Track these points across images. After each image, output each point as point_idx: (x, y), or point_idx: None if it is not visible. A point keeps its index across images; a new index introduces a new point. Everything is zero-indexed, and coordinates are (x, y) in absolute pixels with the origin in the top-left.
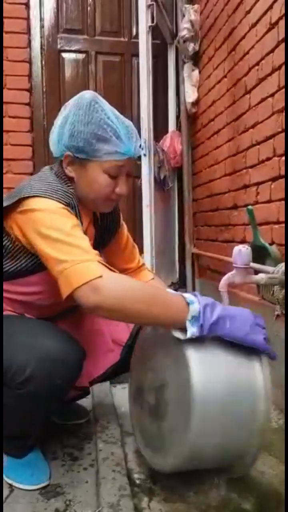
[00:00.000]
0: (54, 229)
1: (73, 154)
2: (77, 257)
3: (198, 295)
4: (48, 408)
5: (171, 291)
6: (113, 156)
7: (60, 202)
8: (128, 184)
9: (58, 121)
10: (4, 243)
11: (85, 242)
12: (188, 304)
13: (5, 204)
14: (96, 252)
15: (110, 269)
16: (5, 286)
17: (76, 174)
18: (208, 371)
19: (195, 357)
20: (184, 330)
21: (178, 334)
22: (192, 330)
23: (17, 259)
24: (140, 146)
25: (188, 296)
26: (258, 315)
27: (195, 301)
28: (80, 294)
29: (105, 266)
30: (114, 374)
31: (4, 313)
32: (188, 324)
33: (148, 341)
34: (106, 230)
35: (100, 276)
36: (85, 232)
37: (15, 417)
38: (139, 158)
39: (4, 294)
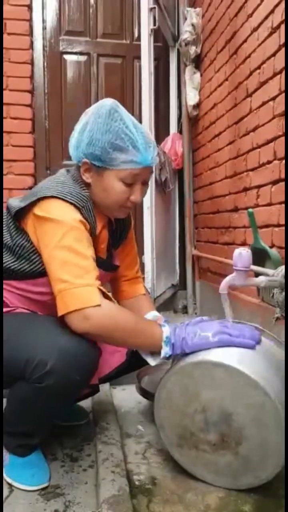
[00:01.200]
0: (62, 246)
1: (90, 162)
2: (78, 280)
3: (173, 330)
4: (61, 405)
5: (150, 315)
6: (129, 165)
7: (76, 205)
8: (144, 191)
9: (78, 127)
10: (21, 242)
11: (90, 262)
12: (161, 327)
13: (23, 204)
14: (97, 274)
15: (106, 296)
16: (19, 284)
17: (93, 181)
18: (268, 378)
19: (255, 373)
20: (155, 355)
21: (149, 360)
22: (165, 350)
23: (32, 261)
24: (158, 154)
25: (162, 322)
26: (225, 323)
27: (166, 324)
28: (71, 319)
29: (102, 291)
30: (119, 374)
31: (18, 310)
32: (163, 345)
33: (173, 390)
34: (119, 234)
35: (96, 305)
36: (99, 235)
37: (28, 413)
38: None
39: (18, 292)
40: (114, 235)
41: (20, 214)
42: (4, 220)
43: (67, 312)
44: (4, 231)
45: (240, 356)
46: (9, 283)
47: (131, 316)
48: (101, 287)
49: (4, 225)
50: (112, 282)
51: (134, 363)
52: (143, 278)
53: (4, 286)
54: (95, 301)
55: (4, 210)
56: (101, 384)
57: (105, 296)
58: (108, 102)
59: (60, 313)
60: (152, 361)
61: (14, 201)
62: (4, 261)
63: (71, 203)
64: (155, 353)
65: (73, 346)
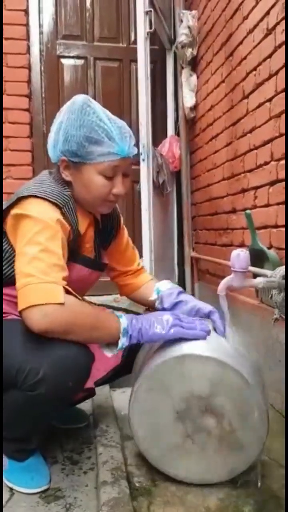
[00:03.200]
0: (33, 242)
1: (68, 159)
2: (44, 276)
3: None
4: (55, 411)
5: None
6: (107, 157)
7: (56, 204)
8: (126, 184)
9: (54, 127)
10: (4, 246)
11: (59, 261)
12: (118, 318)
13: (5, 206)
14: (65, 275)
15: (70, 292)
16: (8, 290)
17: (73, 178)
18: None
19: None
20: (111, 346)
21: (107, 351)
22: (122, 341)
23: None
24: (135, 145)
25: (118, 313)
26: (179, 314)
27: (123, 315)
28: (30, 314)
29: (69, 291)
30: (116, 376)
31: (10, 317)
32: (120, 337)
33: (149, 398)
34: (107, 233)
35: (59, 303)
36: (84, 234)
37: (22, 419)
38: (137, 156)
39: (8, 298)
40: (102, 235)
41: (2, 217)
42: None
43: (26, 306)
44: None
45: (202, 345)
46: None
47: (90, 312)
48: (67, 287)
49: None
50: (117, 279)
51: (131, 365)
52: None
53: None
54: (59, 299)
55: None
56: (98, 387)
57: (68, 292)
58: (79, 98)
59: (19, 308)
60: (108, 352)
61: None
62: None
63: (50, 202)
64: (112, 344)
65: (64, 352)
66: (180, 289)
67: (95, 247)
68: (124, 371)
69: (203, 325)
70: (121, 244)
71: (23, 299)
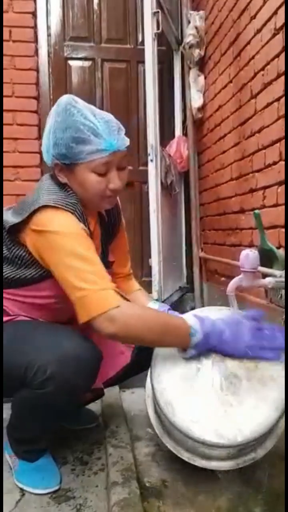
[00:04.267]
0: (73, 256)
1: (60, 162)
2: (95, 286)
3: (201, 321)
4: (64, 409)
5: (175, 314)
6: (96, 155)
7: (68, 210)
8: (122, 177)
9: (45, 131)
10: (20, 254)
11: (100, 267)
12: (191, 333)
13: (16, 220)
14: (110, 277)
15: (124, 297)
16: (17, 291)
17: (68, 180)
18: None
19: None
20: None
21: (181, 354)
22: (191, 353)
23: (33, 267)
24: (126, 135)
25: (194, 323)
26: (254, 320)
27: (198, 331)
28: (98, 324)
29: (120, 294)
30: (125, 376)
31: (19, 318)
32: (190, 350)
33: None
34: (111, 227)
35: (117, 306)
36: (93, 233)
37: (31, 419)
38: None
39: (20, 299)
40: (107, 229)
41: (14, 229)
42: None
43: (90, 318)
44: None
45: None
46: (10, 291)
47: (155, 313)
48: (118, 289)
49: None
50: None
51: (141, 365)
52: (150, 282)
53: (5, 295)
54: (115, 303)
55: None
56: (107, 387)
57: (122, 297)
58: (63, 99)
59: (82, 320)
60: (183, 355)
61: (7, 215)
62: (4, 272)
63: (65, 210)
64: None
65: (72, 351)
66: (169, 306)
67: (102, 244)
68: (133, 371)
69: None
70: (120, 242)
71: (84, 312)
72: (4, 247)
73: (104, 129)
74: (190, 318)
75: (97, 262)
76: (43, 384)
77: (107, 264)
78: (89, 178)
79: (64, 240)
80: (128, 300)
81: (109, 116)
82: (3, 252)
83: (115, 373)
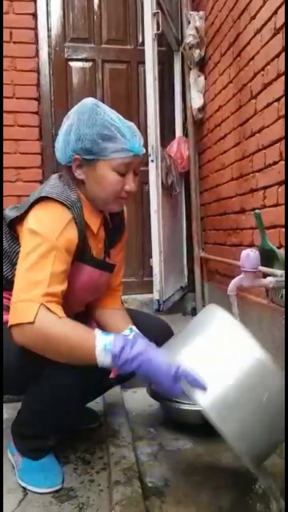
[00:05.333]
0: (26, 259)
1: (81, 157)
2: (24, 295)
3: (118, 344)
4: (80, 403)
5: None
6: (120, 154)
7: (65, 204)
8: (136, 181)
9: (62, 130)
10: (17, 249)
11: (46, 277)
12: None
13: (17, 213)
14: (52, 291)
15: (54, 312)
16: None
17: (86, 176)
18: None
19: None
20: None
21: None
22: (99, 359)
23: None
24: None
25: (102, 353)
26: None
27: (106, 361)
28: (12, 332)
29: (49, 308)
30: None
31: None
32: (97, 356)
33: None
34: (114, 234)
35: (30, 322)
36: (97, 235)
37: (46, 413)
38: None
39: None
40: (111, 235)
41: (15, 222)
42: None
43: (9, 325)
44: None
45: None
46: (11, 292)
47: (65, 335)
48: (49, 303)
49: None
50: None
51: None
52: (151, 281)
53: (7, 296)
54: (30, 318)
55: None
56: (119, 383)
57: (50, 310)
58: (89, 100)
59: (9, 325)
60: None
61: (11, 211)
62: (4, 271)
63: (61, 203)
64: None
65: None
66: (140, 334)
67: (105, 248)
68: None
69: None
70: (119, 253)
71: (9, 318)
72: (5, 242)
73: (128, 132)
74: (103, 340)
75: (44, 272)
76: (61, 377)
77: (110, 268)
78: (109, 176)
79: (31, 240)
80: (59, 315)
81: (131, 123)
82: (5, 246)
83: (113, 377)
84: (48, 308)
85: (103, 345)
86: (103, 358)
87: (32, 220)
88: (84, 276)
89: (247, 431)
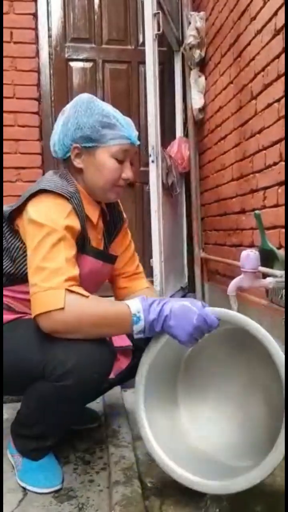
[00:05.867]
0: (38, 250)
1: (81, 145)
2: (45, 284)
3: (147, 308)
4: (79, 404)
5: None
6: (119, 140)
7: (65, 196)
8: (133, 171)
9: (59, 123)
10: (15, 244)
11: (61, 264)
12: (133, 321)
13: (14, 206)
14: (69, 275)
15: (81, 294)
16: (22, 288)
17: (85, 164)
18: None
19: None
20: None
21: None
22: (136, 328)
23: (25, 261)
24: (139, 138)
25: (137, 311)
26: (199, 309)
27: (141, 319)
28: (40, 321)
29: (75, 291)
30: (128, 376)
31: (27, 317)
32: (134, 335)
33: None
34: (113, 225)
35: (60, 308)
36: (96, 225)
37: (47, 412)
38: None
39: (23, 296)
40: (109, 227)
41: (12, 216)
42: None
43: (35, 315)
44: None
45: None
46: (12, 288)
47: (96, 308)
48: (71, 288)
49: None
50: (113, 279)
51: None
52: (152, 282)
53: (8, 293)
54: (58, 304)
55: None
56: (103, 393)
57: (75, 292)
58: (84, 95)
59: (32, 315)
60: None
61: (9, 207)
62: (4, 267)
63: (59, 195)
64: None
65: (89, 346)
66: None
67: (104, 239)
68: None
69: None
70: (124, 240)
71: (33, 308)
72: (4, 240)
73: (125, 122)
74: (135, 304)
75: (59, 259)
76: (62, 377)
77: (111, 259)
78: (108, 162)
79: (37, 231)
80: (84, 295)
81: (127, 118)
82: (4, 243)
83: (113, 377)
84: (72, 291)
85: (135, 309)
86: (136, 319)
87: (34, 212)
88: (86, 267)
89: None
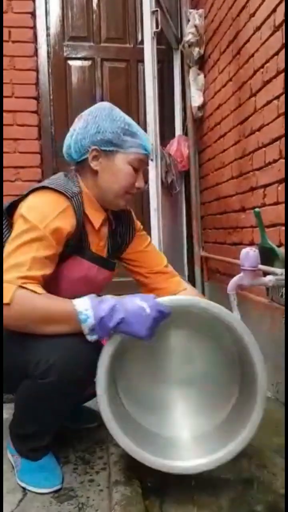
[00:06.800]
0: (13, 242)
1: (100, 148)
2: (5, 276)
3: (96, 305)
4: (67, 402)
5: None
6: (137, 149)
7: (64, 194)
8: (144, 181)
9: (76, 127)
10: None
11: (25, 261)
12: (81, 319)
13: (14, 200)
14: (28, 273)
15: (24, 287)
16: None
17: (101, 167)
18: None
19: None
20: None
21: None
22: (92, 338)
23: None
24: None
25: (84, 309)
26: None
27: (89, 316)
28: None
29: (23, 287)
30: None
31: None
32: (88, 337)
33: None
34: (119, 235)
35: (6, 304)
36: (98, 231)
37: (35, 410)
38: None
39: None
40: (114, 237)
41: (11, 211)
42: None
43: None
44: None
45: None
46: None
47: (42, 306)
48: (24, 284)
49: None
50: (147, 281)
51: None
52: None
53: None
54: (5, 299)
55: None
56: None
57: (26, 288)
58: (106, 103)
59: None
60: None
61: (8, 203)
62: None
63: (58, 192)
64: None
65: (74, 343)
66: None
67: (108, 247)
68: None
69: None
70: (142, 244)
71: None
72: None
73: (142, 133)
74: (82, 302)
75: (25, 256)
76: (45, 374)
77: (108, 265)
78: (125, 168)
79: (21, 224)
80: (37, 291)
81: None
82: (4, 237)
83: None
84: (24, 287)
85: (82, 306)
86: (84, 317)
87: (25, 207)
88: (81, 269)
89: None
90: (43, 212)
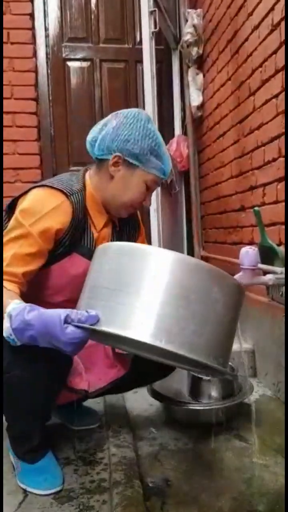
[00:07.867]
0: (7, 235)
1: (124, 157)
2: None
3: (15, 314)
4: (39, 397)
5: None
6: (157, 172)
7: (63, 191)
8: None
9: (109, 124)
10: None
11: (7, 257)
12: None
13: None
14: (11, 270)
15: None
16: None
17: (118, 175)
18: None
19: None
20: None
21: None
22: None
23: None
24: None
25: (12, 308)
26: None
27: (7, 322)
28: None
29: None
30: (117, 390)
31: None
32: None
33: None
34: (125, 237)
35: None
36: (100, 232)
37: (13, 410)
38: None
39: None
40: (119, 236)
41: (12, 208)
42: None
43: None
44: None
45: None
46: None
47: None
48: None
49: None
50: None
51: (142, 376)
52: None
53: None
54: None
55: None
56: (97, 396)
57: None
58: (144, 113)
59: None
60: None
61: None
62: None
63: (56, 189)
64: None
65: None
66: None
67: None
68: (135, 383)
69: None
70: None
71: None
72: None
73: (167, 157)
74: (15, 304)
75: (8, 252)
76: (9, 367)
77: None
78: (140, 185)
79: (12, 221)
80: (6, 288)
81: None
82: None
83: (104, 385)
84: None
85: (11, 307)
86: (5, 321)
87: (20, 205)
88: (79, 267)
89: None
90: (33, 210)
